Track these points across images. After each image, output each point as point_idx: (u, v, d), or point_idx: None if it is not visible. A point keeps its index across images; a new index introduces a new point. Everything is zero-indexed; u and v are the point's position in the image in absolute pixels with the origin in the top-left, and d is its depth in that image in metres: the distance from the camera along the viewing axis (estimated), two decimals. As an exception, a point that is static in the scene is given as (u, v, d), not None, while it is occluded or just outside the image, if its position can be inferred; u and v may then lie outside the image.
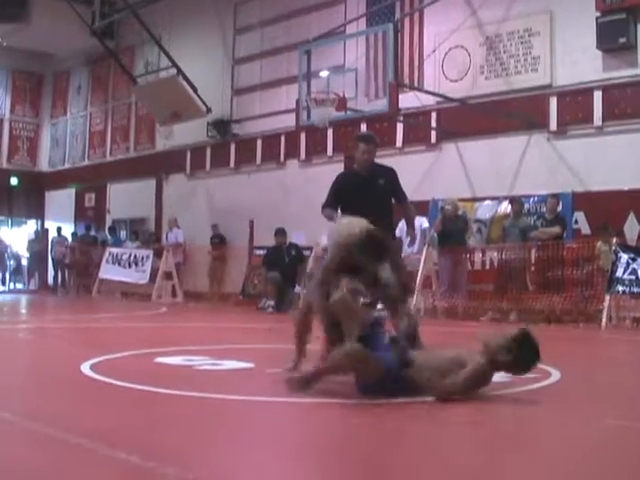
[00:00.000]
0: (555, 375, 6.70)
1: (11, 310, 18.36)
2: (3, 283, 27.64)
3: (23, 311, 18.66)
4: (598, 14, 15.49)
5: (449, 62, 17.80)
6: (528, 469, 3.76)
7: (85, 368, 6.66)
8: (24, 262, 28.13)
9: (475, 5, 17.39)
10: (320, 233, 16.91)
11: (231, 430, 4.66)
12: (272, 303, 17.27)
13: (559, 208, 15.21)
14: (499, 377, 5.81)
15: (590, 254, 14.35)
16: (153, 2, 24.22)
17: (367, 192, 8.08)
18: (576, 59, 16.01)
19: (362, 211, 7.49)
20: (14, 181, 30.18)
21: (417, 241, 16.28)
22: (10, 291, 26.44)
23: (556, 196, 15.29)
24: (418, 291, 15.56)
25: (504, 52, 17.06)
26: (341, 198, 8.22)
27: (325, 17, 19.89)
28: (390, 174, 8.42)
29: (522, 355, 5.42)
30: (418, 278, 15.67)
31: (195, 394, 5.67)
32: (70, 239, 26.98)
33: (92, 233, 26.62)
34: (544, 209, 15.50)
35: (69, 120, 30.41)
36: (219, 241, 22.01)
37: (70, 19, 23.76)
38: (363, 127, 18.63)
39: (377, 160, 8.30)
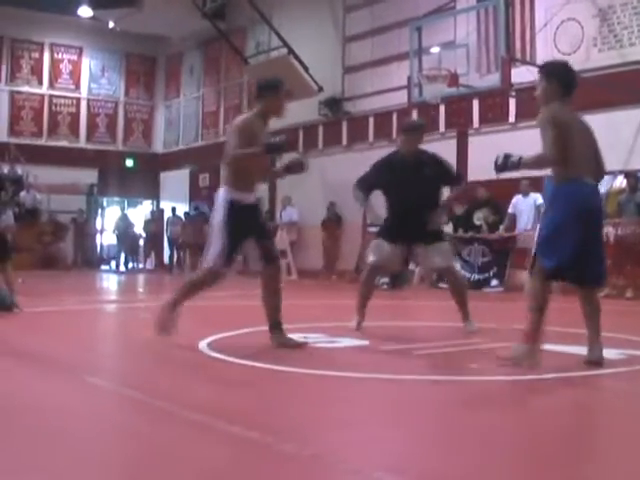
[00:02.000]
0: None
1: (130, 289, 18.78)
2: (127, 263, 28.17)
3: (141, 290, 19.05)
4: None
5: (561, 35, 17.49)
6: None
7: (203, 346, 6.80)
8: (141, 242, 28.60)
9: (588, -25, 17.06)
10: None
11: (347, 407, 4.71)
12: (387, 280, 17.25)
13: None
14: (616, 354, 5.76)
15: None
16: (263, -17, 24.44)
17: (411, 180, 8.23)
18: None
19: (406, 198, 8.23)
20: (130, 163, 30.75)
21: (531, 217, 16.18)
22: (128, 271, 26.97)
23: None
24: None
25: (617, 24, 16.71)
26: (381, 181, 8.48)
27: (435, -7, 19.74)
28: (434, 159, 8.53)
29: None
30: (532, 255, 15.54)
31: (312, 371, 5.75)
32: (183, 219, 27.37)
33: (203, 211, 26.95)
34: (661, 183, 15.18)
35: (182, 102, 30.81)
36: (335, 219, 22.09)
37: (181, 2, 24.08)
38: (475, 103, 18.47)
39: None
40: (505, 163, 5.95)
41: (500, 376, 5.63)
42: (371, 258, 8.38)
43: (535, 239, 6.72)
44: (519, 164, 5.93)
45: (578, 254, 5.74)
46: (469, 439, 3.91)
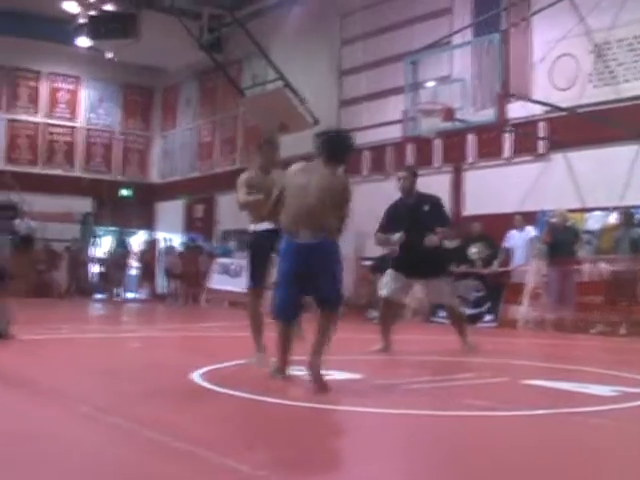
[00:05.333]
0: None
1: (124, 319, 18.75)
2: (120, 292, 28.09)
3: (134, 320, 19.03)
4: None
5: (557, 71, 17.58)
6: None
7: (195, 376, 6.79)
8: (134, 272, 28.58)
9: (583, 12, 17.14)
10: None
11: (339, 441, 4.70)
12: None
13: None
14: (609, 391, 5.75)
15: None
16: (260, 15, 24.57)
17: (412, 217, 9.44)
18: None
19: (409, 233, 9.26)
20: (125, 192, 30.80)
21: (526, 252, 16.21)
22: (122, 300, 26.93)
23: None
24: (527, 303, 15.43)
25: (613, 60, 16.81)
26: (392, 225, 9.61)
27: (430, 28, 19.82)
28: (434, 201, 9.79)
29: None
30: (526, 290, 15.56)
31: (304, 404, 5.74)
32: (179, 249, 27.40)
33: (199, 243, 27.04)
34: (656, 219, 15.22)
35: (178, 133, 30.91)
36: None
37: (179, 34, 24.16)
38: (470, 137, 18.52)
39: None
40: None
41: (489, 411, 5.62)
42: (383, 292, 9.40)
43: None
44: None
45: None
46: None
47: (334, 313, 6.76)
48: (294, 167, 7.02)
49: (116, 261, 27.84)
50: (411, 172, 10.01)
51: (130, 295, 27.97)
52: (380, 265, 17.98)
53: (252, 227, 8.08)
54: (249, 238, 8.13)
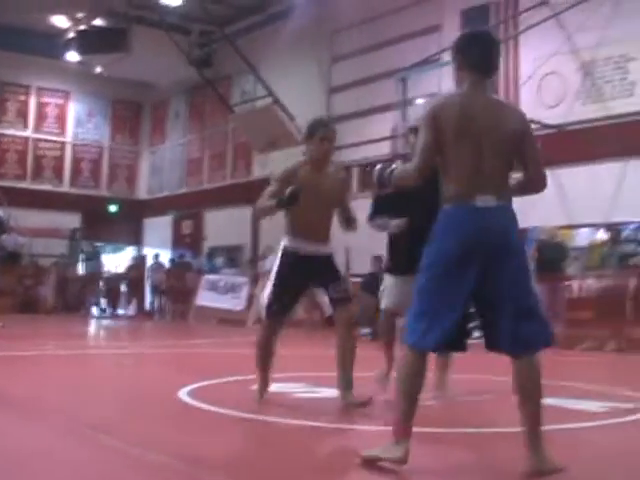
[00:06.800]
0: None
1: (111, 335, 18.69)
2: (104, 310, 27.92)
3: (122, 336, 18.96)
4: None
5: (545, 88, 17.66)
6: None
7: (183, 394, 6.75)
8: (123, 288, 28.49)
9: (570, 30, 17.21)
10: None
11: (329, 457, 4.68)
12: (369, 330, 17.22)
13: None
14: (599, 407, 5.74)
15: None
16: (250, 32, 24.62)
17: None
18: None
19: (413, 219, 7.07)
20: (113, 208, 30.76)
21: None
22: (109, 316, 26.82)
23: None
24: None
25: (600, 78, 16.89)
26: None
27: (420, 45, 19.87)
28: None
29: None
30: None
31: (291, 421, 5.71)
32: (167, 266, 27.33)
33: (186, 259, 27.02)
34: (643, 236, 15.30)
35: (167, 148, 30.89)
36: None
37: (169, 49, 24.18)
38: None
39: None
40: (381, 176, 4.65)
41: (476, 428, 5.60)
42: (383, 304, 7.56)
43: None
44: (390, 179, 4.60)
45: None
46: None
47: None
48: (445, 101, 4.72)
49: (90, 278, 27.79)
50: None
51: (114, 311, 27.84)
52: (370, 282, 18.00)
53: (284, 241, 6.60)
54: (281, 256, 6.58)
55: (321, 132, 6.63)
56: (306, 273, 6.41)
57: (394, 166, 4.67)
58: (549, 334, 4.27)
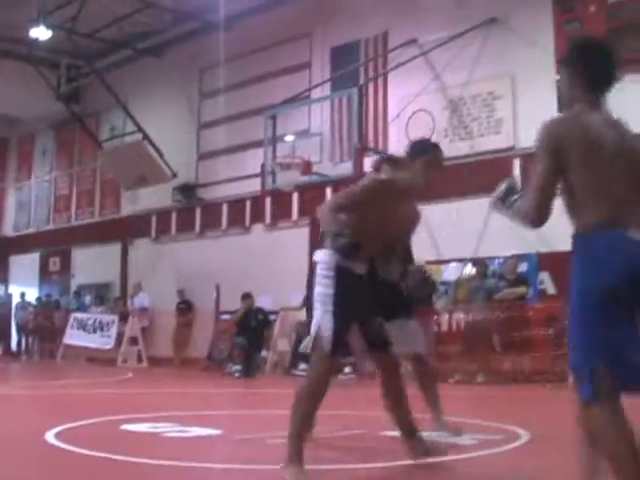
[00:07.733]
0: (524, 436, 6.67)
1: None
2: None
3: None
4: (557, 77, 15.67)
5: (413, 125, 17.89)
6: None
7: (50, 436, 6.57)
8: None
9: (438, 69, 17.55)
10: (285, 297, 16.91)
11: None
12: (239, 368, 17.16)
13: (522, 269, 15.31)
14: (469, 439, 5.78)
15: (558, 314, 14.29)
16: (119, 67, 24.38)
17: None
18: (538, 121, 16.11)
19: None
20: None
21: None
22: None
23: (516, 257, 15.37)
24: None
25: (467, 115, 17.23)
26: None
27: (290, 82, 19.98)
28: None
29: None
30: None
31: (163, 462, 5.60)
32: (34, 304, 26.74)
33: (54, 298, 26.49)
34: (508, 270, 15.58)
35: (34, 184, 30.24)
36: (186, 307, 21.81)
37: (36, 83, 23.73)
38: (328, 191, 18.66)
39: None
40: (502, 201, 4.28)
41: (343, 464, 5.59)
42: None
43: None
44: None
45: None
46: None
47: None
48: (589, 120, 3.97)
49: None
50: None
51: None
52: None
53: (343, 262, 5.11)
54: (335, 276, 5.07)
55: (430, 155, 5.82)
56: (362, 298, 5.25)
57: (516, 197, 4.18)
58: None
